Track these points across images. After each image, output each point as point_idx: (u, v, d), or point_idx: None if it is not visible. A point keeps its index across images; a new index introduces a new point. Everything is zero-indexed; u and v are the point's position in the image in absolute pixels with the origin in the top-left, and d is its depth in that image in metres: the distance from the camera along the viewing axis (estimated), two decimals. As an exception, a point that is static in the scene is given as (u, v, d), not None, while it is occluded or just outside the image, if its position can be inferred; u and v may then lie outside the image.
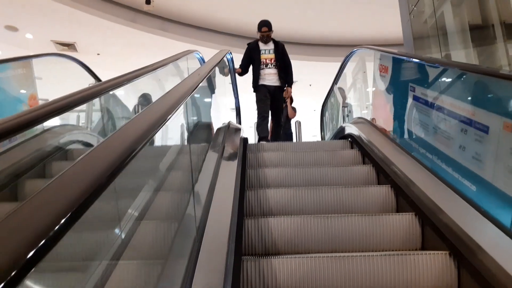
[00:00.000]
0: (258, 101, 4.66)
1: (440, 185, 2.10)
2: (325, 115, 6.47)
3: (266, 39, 4.72)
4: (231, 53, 4.67)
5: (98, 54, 9.78)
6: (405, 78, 2.85)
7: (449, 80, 2.28)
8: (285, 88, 4.78)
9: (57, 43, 9.11)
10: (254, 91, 4.72)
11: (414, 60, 2.75)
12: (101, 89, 1.76)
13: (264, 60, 4.66)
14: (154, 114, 1.28)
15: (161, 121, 1.25)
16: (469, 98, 2.05)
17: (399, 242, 2.07)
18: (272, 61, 4.64)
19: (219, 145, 2.98)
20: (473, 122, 1.89)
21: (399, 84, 2.91)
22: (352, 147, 3.54)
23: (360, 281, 1.70)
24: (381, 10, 8.31)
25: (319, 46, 10.27)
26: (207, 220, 1.80)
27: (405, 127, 2.77)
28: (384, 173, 2.66)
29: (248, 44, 4.85)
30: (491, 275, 1.41)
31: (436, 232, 1.89)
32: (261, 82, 4.64)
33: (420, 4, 6.05)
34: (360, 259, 1.72)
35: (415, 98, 2.54)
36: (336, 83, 5.05)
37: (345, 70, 4.65)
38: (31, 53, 4.03)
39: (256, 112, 4.81)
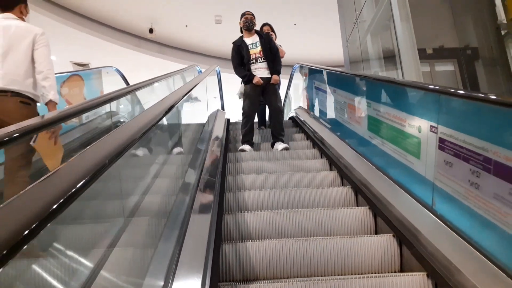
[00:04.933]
0: (247, 97, 4.49)
1: (341, 143, 4.29)
2: (285, 107, 8.84)
3: (250, 23, 4.52)
4: (218, 67, 6.83)
5: (107, 72, 11.94)
6: (312, 79, 5.16)
7: (329, 78, 4.55)
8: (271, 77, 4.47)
9: (75, 63, 11.24)
10: (245, 84, 4.54)
11: (312, 67, 5.07)
12: (129, 91, 2.24)
13: (254, 55, 4.49)
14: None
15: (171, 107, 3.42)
16: (339, 87, 4.28)
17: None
18: (261, 53, 4.49)
19: (213, 120, 5.16)
20: (338, 99, 4.14)
21: (310, 82, 5.22)
22: (294, 123, 5.80)
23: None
24: (332, 40, 10.83)
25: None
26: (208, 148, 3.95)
27: (314, 105, 5.06)
28: (308, 132, 4.88)
29: (233, 43, 4.60)
30: None
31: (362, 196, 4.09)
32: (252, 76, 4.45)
33: (353, 34, 8.36)
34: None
35: (316, 89, 4.83)
36: (289, 88, 7.34)
37: (293, 79, 6.96)
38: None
39: (242, 110, 4.57)
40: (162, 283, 1.37)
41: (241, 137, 4.47)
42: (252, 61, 4.49)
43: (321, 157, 3.95)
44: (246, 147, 4.31)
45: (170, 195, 2.04)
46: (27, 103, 2.49)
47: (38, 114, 2.54)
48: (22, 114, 2.41)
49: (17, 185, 1.64)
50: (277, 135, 4.42)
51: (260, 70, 4.48)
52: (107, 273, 1.13)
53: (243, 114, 4.51)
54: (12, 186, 1.65)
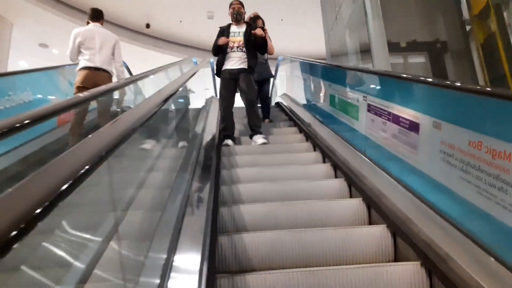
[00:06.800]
0: (221, 89, 4.37)
1: (311, 117, 5.15)
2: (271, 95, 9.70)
3: (237, 15, 4.32)
4: (212, 59, 7.59)
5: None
6: (293, 68, 6.02)
7: (306, 67, 5.40)
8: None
9: (76, 56, 11.94)
10: (218, 76, 4.43)
11: (292, 59, 5.93)
12: (132, 80, 2.95)
13: (233, 43, 4.28)
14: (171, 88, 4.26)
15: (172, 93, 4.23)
16: (316, 75, 5.13)
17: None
18: (240, 43, 4.26)
19: (209, 104, 5.99)
20: (315, 84, 4.99)
21: (292, 72, 6.07)
22: (279, 107, 6.66)
23: None
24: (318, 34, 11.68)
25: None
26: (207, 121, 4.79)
27: (294, 91, 5.92)
28: (291, 115, 5.75)
29: (220, 27, 4.49)
30: (460, 281, 1.46)
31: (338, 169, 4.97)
32: (225, 66, 4.31)
33: (334, 29, 9.16)
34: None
35: (296, 76, 5.70)
36: (275, 78, 8.18)
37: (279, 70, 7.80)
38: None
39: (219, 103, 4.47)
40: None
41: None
42: (228, 50, 4.29)
43: (294, 126, 5.12)
44: (229, 141, 4.14)
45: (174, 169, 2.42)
46: (110, 76, 4.27)
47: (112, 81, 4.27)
48: (107, 81, 4.17)
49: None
50: (253, 127, 4.26)
51: (234, 60, 4.27)
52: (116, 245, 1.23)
53: (221, 107, 4.40)
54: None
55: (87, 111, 3.37)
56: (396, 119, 2.30)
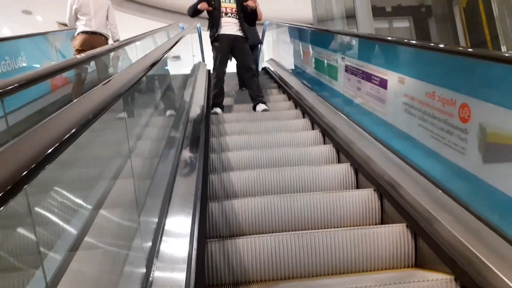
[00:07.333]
0: (217, 52, 4.28)
1: (296, 80, 5.33)
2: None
3: None
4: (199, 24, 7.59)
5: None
6: (279, 33, 6.16)
7: (291, 32, 5.55)
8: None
9: (60, 23, 11.76)
10: (213, 42, 4.34)
11: (278, 24, 6.07)
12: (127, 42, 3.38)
13: (225, 9, 4.25)
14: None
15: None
16: (300, 40, 5.29)
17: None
18: (233, 10, 4.26)
19: (197, 69, 6.13)
20: (296, 48, 5.16)
21: (279, 37, 6.22)
22: (266, 72, 6.84)
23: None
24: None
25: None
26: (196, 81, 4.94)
27: (280, 55, 6.09)
28: (277, 80, 5.93)
29: None
30: (444, 240, 1.54)
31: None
32: (221, 31, 4.23)
33: (320, -5, 9.20)
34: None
35: (281, 40, 5.85)
36: (262, 43, 8.29)
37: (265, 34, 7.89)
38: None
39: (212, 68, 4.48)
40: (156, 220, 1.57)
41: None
42: (222, 15, 4.23)
43: (279, 88, 5.41)
44: (218, 110, 4.15)
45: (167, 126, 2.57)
46: (106, 39, 4.64)
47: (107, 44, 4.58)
48: (103, 43, 4.51)
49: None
50: (256, 98, 4.26)
51: (230, 26, 4.22)
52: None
53: (214, 74, 4.37)
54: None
55: (86, 71, 3.60)
56: (368, 77, 2.54)
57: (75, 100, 1.00)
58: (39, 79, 1.36)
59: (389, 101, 2.27)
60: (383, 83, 2.33)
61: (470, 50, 1.64)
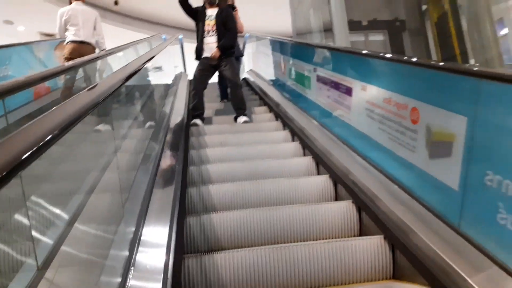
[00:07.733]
0: (197, 71, 4.36)
1: (273, 89, 5.52)
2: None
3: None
4: (181, 35, 7.76)
5: (73, 42, 12.60)
6: (259, 45, 6.39)
7: (268, 44, 5.78)
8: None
9: (42, 34, 11.79)
10: (196, 59, 4.41)
11: (258, 37, 6.29)
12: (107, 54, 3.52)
13: (207, 27, 4.28)
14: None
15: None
16: (277, 51, 5.50)
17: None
18: (213, 28, 4.27)
19: (178, 78, 6.27)
20: (276, 60, 5.37)
21: (258, 49, 6.44)
22: (246, 82, 7.04)
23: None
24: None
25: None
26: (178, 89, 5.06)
27: (260, 66, 6.30)
28: (257, 90, 6.11)
29: (195, 7, 4.43)
30: (420, 252, 1.54)
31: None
32: (204, 53, 4.31)
33: (299, 8, 9.50)
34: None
35: (259, 51, 6.07)
36: (242, 55, 8.50)
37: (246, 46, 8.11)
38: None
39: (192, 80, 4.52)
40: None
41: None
42: (205, 34, 4.27)
43: (257, 94, 5.76)
44: (198, 121, 4.14)
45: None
46: (93, 48, 4.81)
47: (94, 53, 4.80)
48: (91, 52, 4.66)
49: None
50: (237, 109, 4.28)
51: (210, 45, 4.24)
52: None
53: (193, 85, 4.40)
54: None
55: (75, 78, 3.76)
56: (335, 86, 2.75)
57: (41, 115, 0.99)
58: (25, 86, 1.44)
59: (353, 107, 2.47)
60: (348, 91, 2.54)
61: (414, 59, 1.86)
